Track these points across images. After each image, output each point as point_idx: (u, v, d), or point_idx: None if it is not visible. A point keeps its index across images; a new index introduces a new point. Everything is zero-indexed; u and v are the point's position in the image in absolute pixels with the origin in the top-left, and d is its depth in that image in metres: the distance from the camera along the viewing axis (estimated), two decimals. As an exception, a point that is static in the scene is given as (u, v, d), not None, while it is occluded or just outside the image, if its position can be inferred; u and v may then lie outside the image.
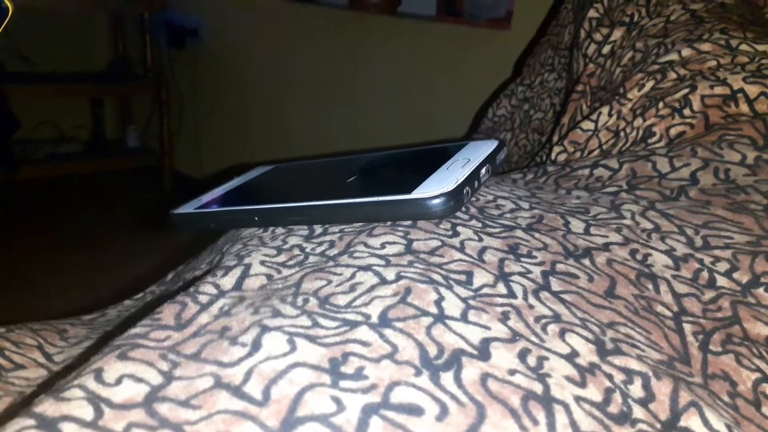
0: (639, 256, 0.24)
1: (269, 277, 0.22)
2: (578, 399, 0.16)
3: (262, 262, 0.23)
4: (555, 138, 0.51)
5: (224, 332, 0.18)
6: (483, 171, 0.25)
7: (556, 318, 0.19)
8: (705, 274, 0.24)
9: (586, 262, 0.23)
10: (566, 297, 0.21)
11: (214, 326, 0.18)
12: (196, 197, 0.32)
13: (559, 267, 0.23)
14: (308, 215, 0.26)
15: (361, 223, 0.25)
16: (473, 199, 0.28)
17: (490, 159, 0.26)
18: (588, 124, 0.42)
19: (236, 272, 0.22)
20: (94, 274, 1.33)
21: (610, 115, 0.41)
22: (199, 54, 1.80)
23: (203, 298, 0.20)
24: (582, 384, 0.17)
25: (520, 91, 0.73)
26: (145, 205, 1.81)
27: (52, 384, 0.17)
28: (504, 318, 0.19)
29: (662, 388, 0.17)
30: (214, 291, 0.21)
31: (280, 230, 0.27)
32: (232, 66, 1.71)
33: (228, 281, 0.21)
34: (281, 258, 0.23)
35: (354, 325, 0.18)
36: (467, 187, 0.24)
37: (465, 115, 1.09)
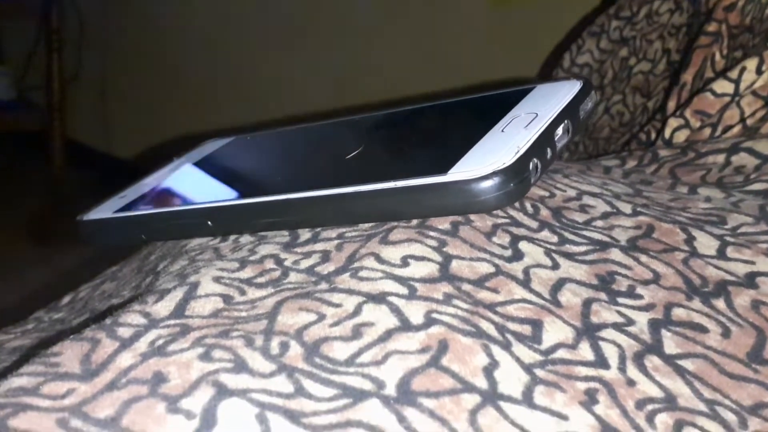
0: (803, 296, 0.24)
1: (227, 299, 0.22)
2: None
3: (217, 279, 0.23)
4: (671, 104, 0.51)
5: (158, 384, 0.18)
6: (559, 130, 0.25)
7: (670, 402, 0.19)
8: None
9: (720, 304, 0.23)
10: (687, 365, 0.21)
11: (142, 372, 0.18)
12: (115, 192, 0.33)
13: (678, 313, 0.23)
14: (289, 215, 0.26)
15: (370, 224, 0.26)
16: (545, 193, 0.28)
17: (570, 111, 0.25)
18: (724, 86, 0.42)
19: (176, 294, 0.22)
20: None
21: (759, 71, 0.41)
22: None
23: (125, 332, 0.20)
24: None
25: (614, 27, 0.72)
26: (21, 196, 1.81)
27: None
28: (589, 401, 0.19)
29: None
30: (141, 320, 0.21)
31: (246, 238, 0.27)
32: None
33: (163, 307, 0.22)
34: (246, 272, 0.24)
35: (359, 397, 0.18)
36: (535, 159, 0.23)
37: (525, 63, 1.08)
